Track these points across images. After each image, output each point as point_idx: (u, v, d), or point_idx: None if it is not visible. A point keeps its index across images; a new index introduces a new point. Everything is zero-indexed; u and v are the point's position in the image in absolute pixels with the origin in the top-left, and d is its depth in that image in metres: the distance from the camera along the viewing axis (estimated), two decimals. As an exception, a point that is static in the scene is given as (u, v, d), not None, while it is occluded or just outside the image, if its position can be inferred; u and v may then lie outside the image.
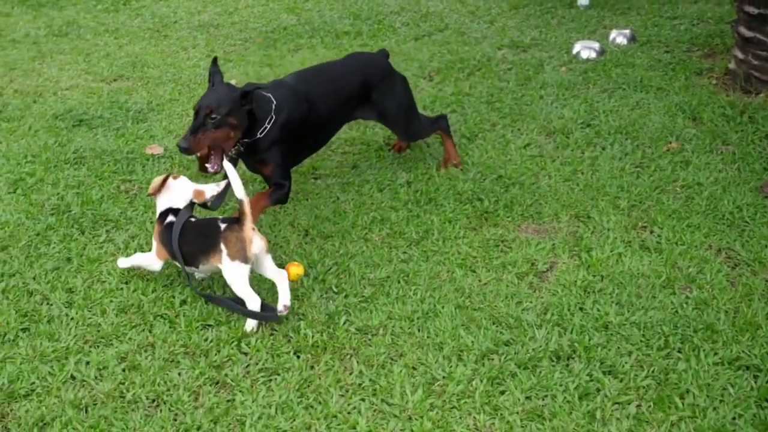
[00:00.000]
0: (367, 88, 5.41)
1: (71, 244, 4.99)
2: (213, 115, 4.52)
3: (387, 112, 5.54)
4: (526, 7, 10.19)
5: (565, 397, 3.69)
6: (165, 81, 8.03)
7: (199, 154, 4.59)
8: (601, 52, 8.16)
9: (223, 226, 4.22)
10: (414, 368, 3.90)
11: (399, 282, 4.57)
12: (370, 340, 4.11)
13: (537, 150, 6.13)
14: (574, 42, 8.48)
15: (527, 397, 3.72)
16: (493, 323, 4.20)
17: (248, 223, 4.15)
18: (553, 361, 3.92)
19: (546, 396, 3.72)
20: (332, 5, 10.77)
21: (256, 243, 4.16)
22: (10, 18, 10.63)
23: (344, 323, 4.22)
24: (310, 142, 5.24)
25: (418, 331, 4.16)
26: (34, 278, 4.66)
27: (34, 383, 3.82)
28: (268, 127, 4.79)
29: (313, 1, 11.02)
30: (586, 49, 8.21)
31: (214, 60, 4.90)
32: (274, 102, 4.85)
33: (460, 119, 6.73)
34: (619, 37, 8.59)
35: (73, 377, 3.87)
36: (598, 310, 4.27)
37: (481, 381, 3.79)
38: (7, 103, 7.43)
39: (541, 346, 4.01)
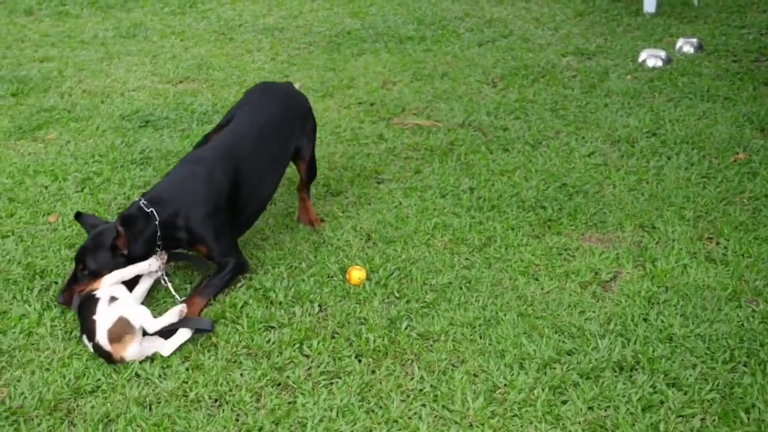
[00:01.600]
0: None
1: (137, 244, 5.05)
2: (85, 271, 4.33)
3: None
4: (591, 15, 10.13)
5: (627, 409, 3.65)
6: (230, 83, 8.10)
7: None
8: (668, 61, 8.08)
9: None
10: (475, 375, 3.89)
11: (461, 288, 4.56)
12: (431, 345, 4.10)
13: (601, 158, 6.09)
14: (640, 50, 8.42)
15: (589, 408, 3.68)
16: (556, 332, 4.18)
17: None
18: (616, 372, 3.88)
19: (608, 407, 3.68)
20: (396, 10, 10.79)
21: None
22: (80, 19, 10.81)
23: (406, 328, 4.22)
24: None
25: (480, 338, 4.15)
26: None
27: (99, 380, 3.87)
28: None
29: (377, 6, 11.05)
30: (652, 58, 8.13)
31: (77, 215, 4.59)
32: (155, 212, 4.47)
33: (523, 126, 6.71)
34: (685, 45, 8.50)
35: (137, 375, 3.92)
36: (663, 321, 4.22)
37: (543, 390, 3.77)
38: (76, 102, 7.55)
39: (603, 357, 3.98)
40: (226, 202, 4.62)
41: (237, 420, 3.64)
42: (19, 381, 3.87)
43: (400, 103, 7.36)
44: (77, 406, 3.73)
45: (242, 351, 4.07)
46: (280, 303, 4.43)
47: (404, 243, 5.01)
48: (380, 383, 3.84)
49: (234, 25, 10.43)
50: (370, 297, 4.48)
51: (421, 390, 3.81)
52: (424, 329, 4.21)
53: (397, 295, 4.50)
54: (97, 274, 4.29)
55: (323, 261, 4.82)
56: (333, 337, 4.16)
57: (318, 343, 4.10)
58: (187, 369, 3.95)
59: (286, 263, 4.80)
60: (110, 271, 4.30)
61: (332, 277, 4.68)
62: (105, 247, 4.32)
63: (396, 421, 3.62)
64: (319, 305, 4.42)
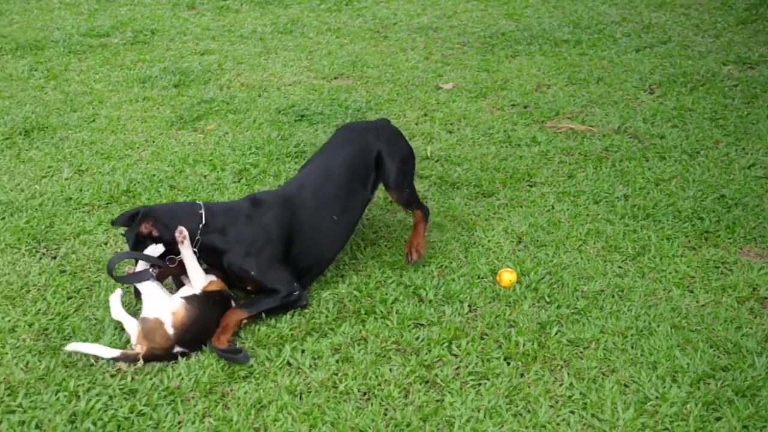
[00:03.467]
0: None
1: (290, 235, 5.15)
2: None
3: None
4: (755, 23, 9.82)
5: (785, 430, 3.55)
6: (383, 81, 8.17)
7: None
8: (836, 73, 7.79)
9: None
10: (626, 385, 3.82)
11: (613, 296, 4.49)
12: (581, 353, 4.06)
13: (762, 171, 5.90)
14: (807, 60, 8.13)
15: (744, 426, 3.58)
16: (711, 346, 4.07)
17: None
18: (773, 391, 3.77)
19: (764, 427, 3.57)
20: (551, 12, 10.69)
21: None
22: (239, 14, 11.07)
23: (556, 334, 4.18)
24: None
25: (632, 348, 4.08)
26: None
27: (252, 367, 3.96)
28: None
29: (533, 8, 10.98)
30: (819, 69, 7.85)
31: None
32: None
33: (681, 134, 6.56)
34: None
35: (289, 364, 3.99)
36: (825, 342, 4.07)
37: (696, 405, 3.68)
38: (234, 95, 7.74)
39: (760, 375, 3.86)
40: (278, 245, 4.46)
41: (385, 414, 3.67)
42: (176, 363, 3.98)
43: (554, 107, 7.29)
44: (231, 390, 3.82)
45: (391, 347, 4.10)
46: (430, 301, 4.44)
47: (556, 247, 4.97)
48: (528, 387, 3.82)
49: (389, 24, 10.51)
50: (521, 300, 4.46)
51: (569, 397, 3.77)
52: (575, 336, 4.16)
53: (548, 299, 4.47)
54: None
55: (473, 262, 4.82)
56: (482, 338, 4.16)
57: (467, 343, 4.10)
58: (337, 361, 4.00)
59: (437, 262, 4.82)
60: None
61: (482, 278, 4.68)
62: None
63: (544, 427, 3.59)
64: (469, 305, 4.42)
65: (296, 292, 4.39)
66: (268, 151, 6.40)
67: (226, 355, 3.98)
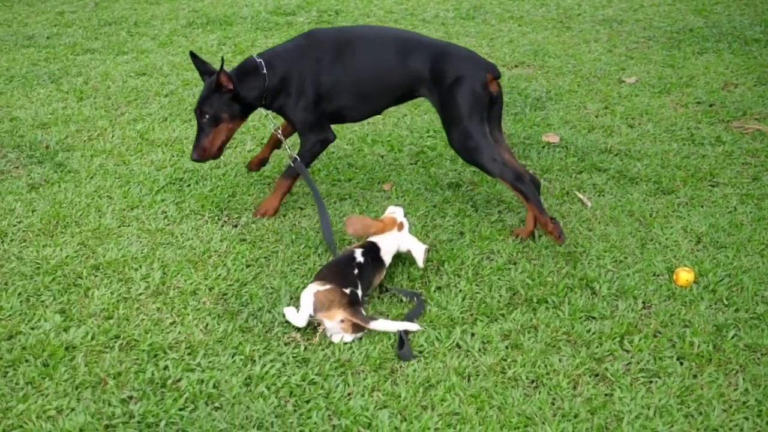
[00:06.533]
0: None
1: (465, 220, 5.17)
2: (204, 118, 4.92)
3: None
4: None
5: None
6: (565, 72, 8.09)
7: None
8: None
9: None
10: (806, 396, 3.70)
11: (796, 304, 4.34)
12: (759, 359, 3.93)
13: None
14: None
15: None
16: None
17: None
18: None
19: None
20: (743, 10, 10.36)
21: None
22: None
23: (732, 337, 4.07)
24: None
25: (814, 358, 3.93)
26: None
27: (422, 346, 4.00)
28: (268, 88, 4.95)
29: (723, 5, 10.66)
30: None
31: (191, 54, 5.09)
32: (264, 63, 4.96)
33: None
34: None
35: (458, 346, 4.02)
36: None
37: None
38: (415, 78, 7.79)
39: None
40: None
41: (553, 404, 3.65)
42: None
43: (741, 107, 7.07)
44: (400, 367, 3.87)
45: (562, 337, 4.07)
46: (603, 295, 4.39)
47: (737, 250, 4.82)
48: (701, 389, 3.73)
49: (572, 14, 10.40)
50: (697, 300, 4.35)
51: (744, 402, 3.66)
52: (752, 341, 4.03)
53: (726, 302, 4.35)
54: (217, 120, 4.89)
55: (650, 258, 4.73)
56: (655, 336, 4.08)
57: (639, 339, 4.03)
58: (507, 347, 4.00)
59: (611, 256, 4.75)
60: (228, 113, 4.89)
61: (658, 275, 4.59)
62: (212, 90, 4.85)
63: (716, 430, 3.50)
64: (643, 302, 4.34)
65: (322, 136, 5.12)
66: (445, 135, 6.42)
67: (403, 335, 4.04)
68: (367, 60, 5.00)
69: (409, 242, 4.54)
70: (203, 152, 4.98)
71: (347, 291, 4.09)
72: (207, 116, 4.89)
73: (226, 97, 4.85)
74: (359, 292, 4.16)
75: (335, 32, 5.28)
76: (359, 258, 4.33)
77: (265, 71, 4.92)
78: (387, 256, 4.48)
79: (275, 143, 5.41)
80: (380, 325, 4.04)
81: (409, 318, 4.17)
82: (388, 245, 4.49)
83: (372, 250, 4.43)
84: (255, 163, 5.57)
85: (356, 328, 4.02)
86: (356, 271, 4.25)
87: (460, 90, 4.79)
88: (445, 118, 4.94)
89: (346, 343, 3.98)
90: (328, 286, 4.09)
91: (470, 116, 4.77)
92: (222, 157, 5.99)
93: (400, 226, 4.56)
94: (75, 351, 3.94)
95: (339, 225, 5.03)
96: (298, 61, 4.97)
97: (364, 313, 4.08)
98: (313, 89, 4.93)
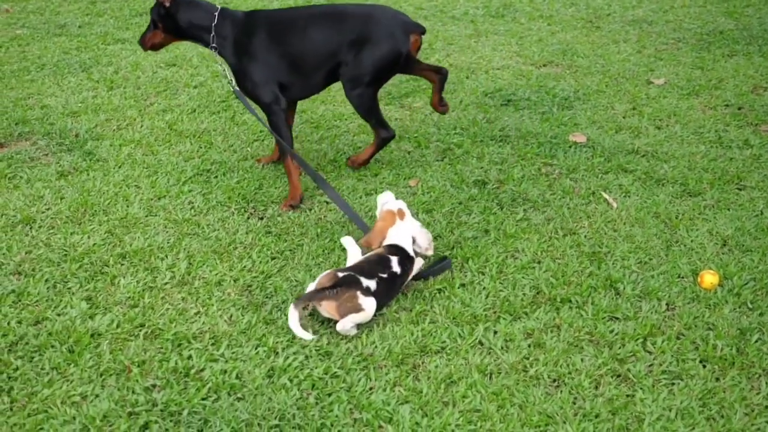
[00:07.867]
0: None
1: (490, 217, 5.17)
2: (151, 18, 5.57)
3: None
4: None
5: None
6: (593, 72, 8.07)
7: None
8: None
9: None
10: (828, 402, 3.69)
11: (821, 310, 4.32)
12: (782, 364, 3.93)
13: None
14: None
15: None
16: None
17: None
18: None
19: None
20: (774, 13, 10.31)
21: None
22: (452, -5, 11.16)
23: (756, 341, 4.05)
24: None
25: (837, 364, 3.92)
26: (452, 246, 4.88)
27: (445, 342, 4.01)
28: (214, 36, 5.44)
29: (754, 7, 10.60)
30: None
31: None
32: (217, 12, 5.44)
33: None
34: None
35: (480, 343, 4.03)
36: None
37: None
38: (443, 75, 7.80)
39: None
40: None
41: (574, 403, 3.66)
42: (371, 331, 4.08)
43: (770, 110, 7.04)
44: (422, 363, 3.89)
45: (584, 337, 4.07)
46: (627, 296, 4.38)
47: (763, 254, 4.80)
48: (724, 392, 3.72)
49: (602, 14, 10.37)
50: (721, 304, 4.34)
51: (767, 407, 3.65)
52: (776, 346, 4.03)
53: (751, 306, 4.33)
54: (155, 25, 5.51)
55: (674, 260, 4.72)
56: (678, 338, 4.08)
57: (662, 341, 4.02)
58: (529, 345, 4.01)
59: (636, 257, 4.75)
60: (162, 25, 5.47)
61: (682, 277, 4.58)
62: (157, 1, 5.43)
63: (737, 434, 3.51)
64: (667, 304, 4.34)
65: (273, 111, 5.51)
66: (472, 132, 6.45)
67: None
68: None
69: (414, 229, 4.56)
70: (142, 42, 5.65)
71: (340, 274, 4.14)
72: (151, 18, 5.56)
73: (162, 11, 5.41)
74: (363, 280, 4.14)
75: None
76: (395, 268, 4.31)
77: (216, 14, 5.42)
78: (410, 249, 4.47)
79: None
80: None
81: (431, 270, 4.48)
82: (405, 240, 4.49)
83: (399, 253, 4.42)
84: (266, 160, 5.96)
85: (341, 310, 4.02)
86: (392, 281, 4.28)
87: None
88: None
89: (368, 337, 4.01)
90: (328, 271, 4.19)
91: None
92: (249, 149, 6.03)
93: (401, 214, 4.56)
94: (100, 338, 3.99)
95: (366, 218, 5.04)
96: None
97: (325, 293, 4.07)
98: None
